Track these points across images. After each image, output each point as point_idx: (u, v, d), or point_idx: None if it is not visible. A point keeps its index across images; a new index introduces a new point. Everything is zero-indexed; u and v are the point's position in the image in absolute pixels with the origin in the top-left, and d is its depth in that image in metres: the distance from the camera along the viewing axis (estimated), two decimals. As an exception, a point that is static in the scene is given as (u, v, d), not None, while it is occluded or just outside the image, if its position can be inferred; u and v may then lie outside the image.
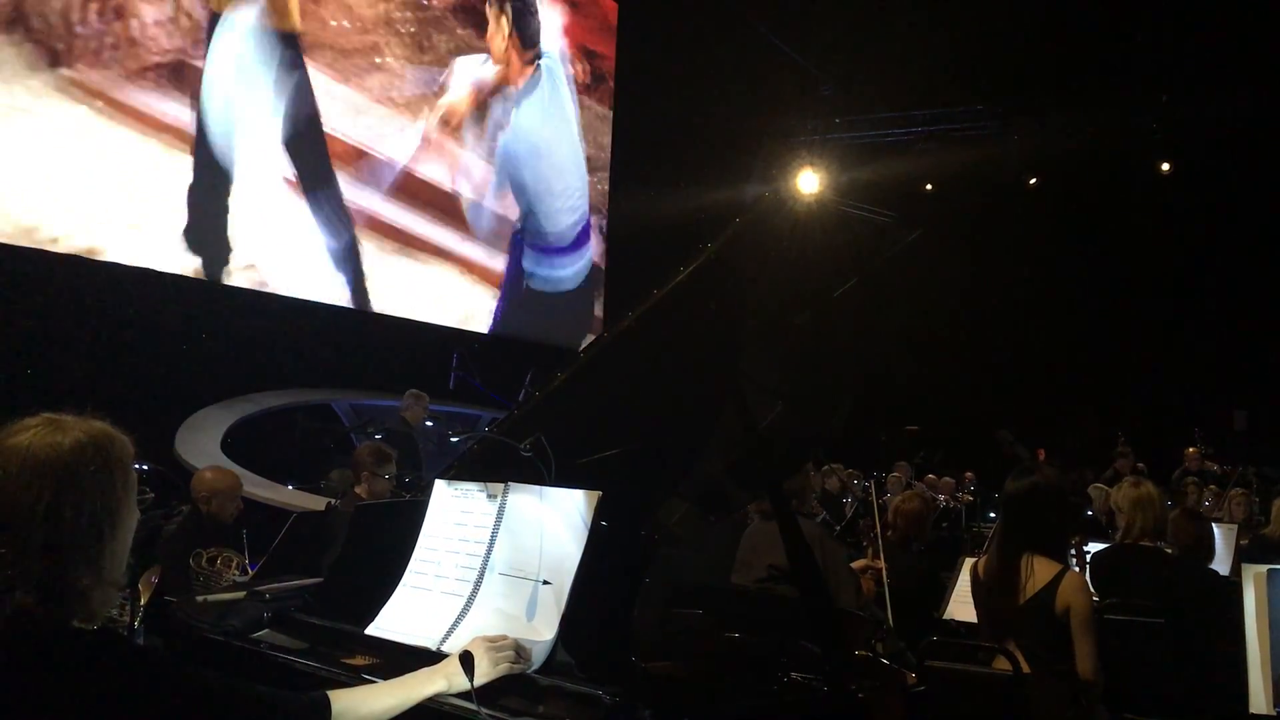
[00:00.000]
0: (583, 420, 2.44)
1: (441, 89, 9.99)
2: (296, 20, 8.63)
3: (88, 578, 1.53)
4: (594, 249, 11.98)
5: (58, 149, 7.07)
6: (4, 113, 6.78)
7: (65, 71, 7.07)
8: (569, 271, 11.69)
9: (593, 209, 11.96)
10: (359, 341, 9.20)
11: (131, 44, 7.49)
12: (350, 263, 9.20)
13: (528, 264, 11.09)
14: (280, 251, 8.65)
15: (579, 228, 11.78)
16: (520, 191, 10.95)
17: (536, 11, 11.02)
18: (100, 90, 7.26)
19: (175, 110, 7.78)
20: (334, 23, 8.94)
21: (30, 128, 6.91)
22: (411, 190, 9.71)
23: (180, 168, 7.87)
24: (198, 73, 7.91)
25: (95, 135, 7.27)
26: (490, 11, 10.47)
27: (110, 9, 7.34)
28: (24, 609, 1.47)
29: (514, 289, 10.88)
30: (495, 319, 10.66)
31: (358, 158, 9.25)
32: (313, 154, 8.84)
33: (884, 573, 4.71)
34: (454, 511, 2.20)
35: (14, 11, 6.81)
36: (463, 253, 10.26)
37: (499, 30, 10.55)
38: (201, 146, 7.98)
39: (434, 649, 1.96)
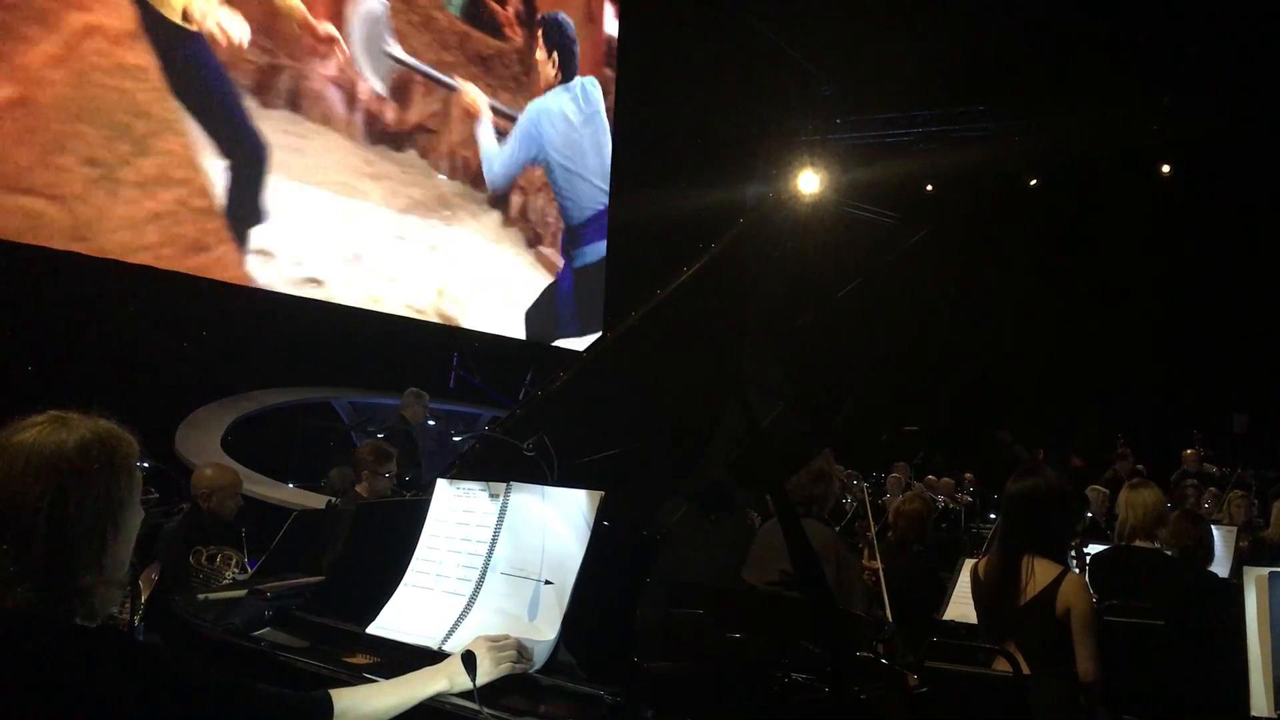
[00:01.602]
0: (585, 420, 2.44)
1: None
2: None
3: (90, 576, 1.53)
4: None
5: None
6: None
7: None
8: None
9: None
10: (359, 339, 9.18)
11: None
12: (353, 259, 9.18)
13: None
14: (283, 248, 8.64)
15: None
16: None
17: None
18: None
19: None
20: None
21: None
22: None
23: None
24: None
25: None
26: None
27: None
28: (26, 606, 1.47)
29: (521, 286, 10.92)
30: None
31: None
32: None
33: (880, 573, 4.71)
34: (456, 511, 2.20)
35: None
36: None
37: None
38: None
39: (435, 648, 1.95)
